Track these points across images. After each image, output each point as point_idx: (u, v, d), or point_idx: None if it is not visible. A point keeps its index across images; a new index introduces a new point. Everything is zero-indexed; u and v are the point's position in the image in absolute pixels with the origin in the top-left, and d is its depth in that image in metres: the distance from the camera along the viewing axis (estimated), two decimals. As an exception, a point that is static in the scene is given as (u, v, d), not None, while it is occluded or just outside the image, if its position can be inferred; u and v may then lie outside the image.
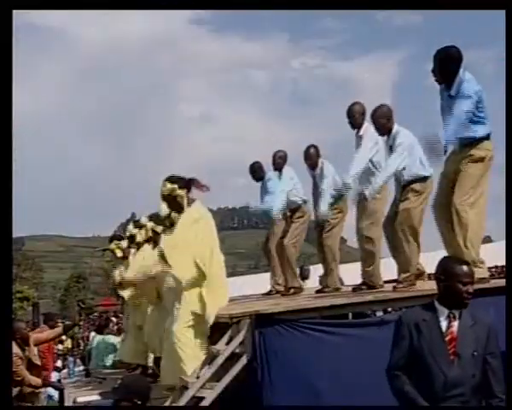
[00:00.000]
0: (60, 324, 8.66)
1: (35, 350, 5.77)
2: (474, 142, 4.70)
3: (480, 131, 4.69)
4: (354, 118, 5.69)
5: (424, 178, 5.22)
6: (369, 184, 5.29)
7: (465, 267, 3.13)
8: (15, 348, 5.18)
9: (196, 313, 4.84)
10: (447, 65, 4.63)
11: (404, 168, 5.15)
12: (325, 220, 6.29)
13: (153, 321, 6.24)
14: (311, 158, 6.47)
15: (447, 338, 3.06)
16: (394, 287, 5.18)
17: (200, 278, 4.87)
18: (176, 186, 5.02)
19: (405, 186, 5.25)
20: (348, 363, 4.39)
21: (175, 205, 5.08)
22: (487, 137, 4.73)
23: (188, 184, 5.09)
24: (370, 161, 5.55)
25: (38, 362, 5.69)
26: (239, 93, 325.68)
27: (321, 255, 6.52)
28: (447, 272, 3.11)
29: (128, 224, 7.42)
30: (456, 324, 3.08)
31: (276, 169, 6.88)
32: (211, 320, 4.80)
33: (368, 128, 5.64)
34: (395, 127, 5.24)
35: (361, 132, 5.67)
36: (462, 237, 4.66)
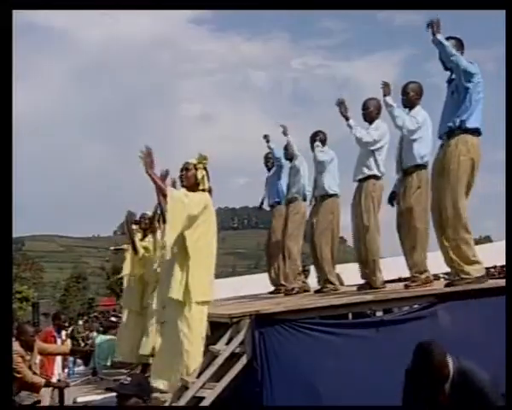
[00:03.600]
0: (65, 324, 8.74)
1: (37, 358, 5.71)
2: (456, 134, 4.70)
3: (463, 124, 4.67)
4: (369, 110, 5.71)
5: (419, 167, 5.25)
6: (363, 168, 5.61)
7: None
8: (18, 347, 5.16)
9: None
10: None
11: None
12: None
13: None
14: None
15: None
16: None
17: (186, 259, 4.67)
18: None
19: (405, 175, 5.31)
20: (348, 363, 4.39)
21: (189, 182, 4.82)
22: (472, 132, 4.70)
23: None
24: (372, 151, 5.62)
25: (38, 371, 5.60)
26: (239, 93, 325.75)
27: (313, 254, 6.59)
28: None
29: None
30: None
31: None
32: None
33: (379, 124, 5.69)
34: (418, 108, 5.30)
35: (373, 126, 5.70)
36: (455, 233, 4.68)
